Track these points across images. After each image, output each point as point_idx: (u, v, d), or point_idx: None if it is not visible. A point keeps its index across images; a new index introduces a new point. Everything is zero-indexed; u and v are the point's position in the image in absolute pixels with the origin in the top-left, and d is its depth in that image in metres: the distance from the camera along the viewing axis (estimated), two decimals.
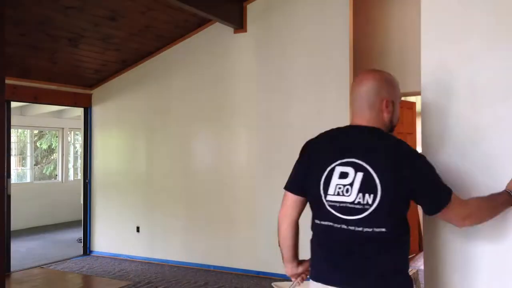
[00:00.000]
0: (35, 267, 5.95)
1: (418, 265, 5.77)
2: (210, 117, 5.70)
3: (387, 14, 5.89)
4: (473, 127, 2.56)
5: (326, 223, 1.76)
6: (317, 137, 2.02)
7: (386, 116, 1.86)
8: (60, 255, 6.61)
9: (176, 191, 5.94)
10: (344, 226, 1.71)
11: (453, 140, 2.62)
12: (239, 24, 5.39)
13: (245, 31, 5.42)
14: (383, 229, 1.68)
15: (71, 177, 10.32)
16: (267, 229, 4.60)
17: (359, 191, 1.69)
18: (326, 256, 1.79)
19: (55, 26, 4.81)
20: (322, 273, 1.79)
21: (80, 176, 8.72)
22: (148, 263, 5.97)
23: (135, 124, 6.28)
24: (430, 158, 2.69)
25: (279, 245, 1.95)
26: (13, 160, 9.53)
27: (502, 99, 2.49)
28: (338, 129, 1.94)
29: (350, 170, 1.73)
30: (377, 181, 1.69)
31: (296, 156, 2.02)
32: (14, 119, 6.73)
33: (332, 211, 1.74)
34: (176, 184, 5.93)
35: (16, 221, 7.41)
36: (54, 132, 10.34)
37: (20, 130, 9.86)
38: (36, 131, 10.28)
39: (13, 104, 6.29)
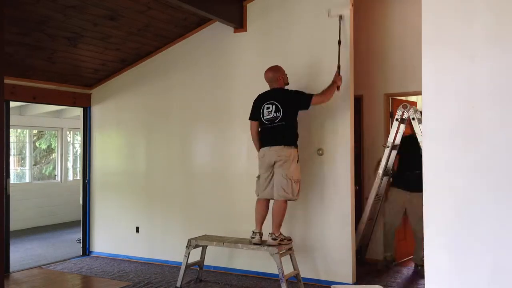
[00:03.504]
0: (34, 267, 5.94)
1: None
2: (210, 117, 5.69)
3: (388, 14, 5.88)
4: (473, 127, 2.56)
5: (265, 126, 4.59)
6: (258, 96, 4.74)
7: (281, 82, 4.69)
8: (60, 255, 6.60)
9: (175, 191, 5.93)
10: (269, 125, 4.56)
11: (453, 140, 2.62)
12: (239, 24, 5.38)
13: (245, 30, 5.41)
14: (283, 123, 4.49)
15: (70, 177, 10.31)
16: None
17: (274, 112, 4.51)
18: (265, 136, 4.60)
19: (54, 25, 4.81)
20: (267, 143, 4.57)
21: (79, 176, 8.71)
22: (148, 264, 5.96)
23: (134, 124, 6.27)
24: (430, 157, 2.69)
25: (253, 140, 4.77)
26: (12, 160, 9.52)
27: (502, 99, 2.49)
28: (266, 91, 4.73)
29: (270, 105, 4.55)
30: (280, 107, 4.49)
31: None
32: (13, 119, 6.72)
33: (266, 122, 4.57)
34: (176, 184, 5.92)
35: (15, 222, 7.41)
36: (53, 132, 10.33)
37: (19, 130, 9.85)
38: (35, 131, 10.27)
39: (12, 104, 6.28)
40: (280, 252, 4.39)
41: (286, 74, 4.74)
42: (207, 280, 5.17)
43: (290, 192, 4.45)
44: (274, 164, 4.51)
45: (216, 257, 5.46)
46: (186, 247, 4.89)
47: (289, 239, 4.62)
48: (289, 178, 4.43)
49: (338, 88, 4.64)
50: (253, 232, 4.64)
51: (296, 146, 4.53)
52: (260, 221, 4.66)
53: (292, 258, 4.59)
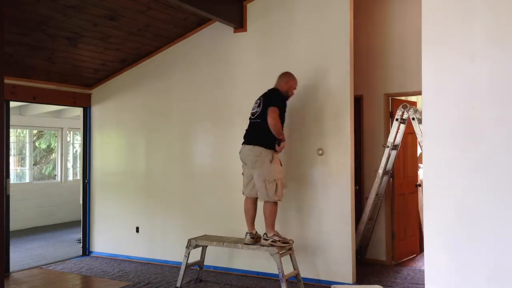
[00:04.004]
0: (34, 267, 5.94)
1: (419, 265, 5.77)
2: (210, 117, 5.69)
3: (388, 14, 5.88)
4: (473, 127, 2.56)
5: (249, 120, 4.69)
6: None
7: (282, 87, 4.66)
8: (60, 255, 6.60)
9: (175, 191, 5.93)
10: (250, 120, 4.67)
11: (453, 140, 2.62)
12: (239, 24, 5.38)
13: (245, 30, 5.41)
14: (259, 120, 4.49)
15: (70, 177, 10.30)
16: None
17: (257, 106, 4.57)
18: (245, 132, 4.68)
19: (54, 25, 4.81)
20: (243, 140, 4.63)
21: (79, 176, 8.71)
22: (148, 264, 5.96)
23: (134, 124, 6.27)
24: (430, 157, 2.69)
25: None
26: (12, 160, 9.52)
27: (502, 99, 2.49)
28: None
29: (259, 100, 4.61)
30: (261, 103, 4.51)
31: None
32: (13, 119, 6.72)
33: (250, 115, 4.67)
34: (176, 184, 5.92)
35: (15, 222, 7.42)
36: (53, 132, 10.33)
37: (19, 130, 9.85)
38: (35, 131, 10.26)
39: (12, 104, 6.28)
40: (280, 252, 4.39)
41: (294, 88, 4.69)
42: (207, 280, 5.18)
43: (265, 193, 4.41)
44: (247, 164, 4.56)
45: (216, 257, 5.46)
46: (186, 247, 4.89)
47: (287, 241, 4.49)
48: (263, 179, 4.40)
49: (278, 143, 4.41)
50: (246, 233, 4.66)
51: (268, 147, 4.42)
52: (249, 221, 4.68)
53: (292, 258, 4.59)
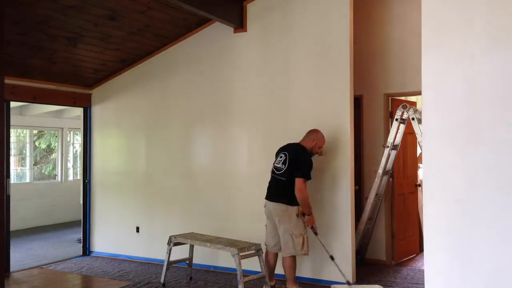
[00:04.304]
0: (35, 267, 5.94)
1: (419, 265, 5.77)
2: (209, 117, 5.69)
3: (388, 14, 5.88)
4: (473, 127, 2.56)
5: (273, 175, 4.57)
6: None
7: (309, 144, 4.57)
8: (60, 255, 6.60)
9: (176, 191, 5.93)
10: (274, 175, 4.54)
11: (453, 140, 2.62)
12: (239, 24, 5.38)
13: (245, 30, 5.42)
14: (284, 179, 4.40)
15: (71, 177, 10.31)
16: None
17: (282, 163, 4.47)
18: (269, 187, 4.57)
19: (54, 25, 4.81)
20: (267, 195, 4.55)
21: (79, 176, 8.71)
22: (148, 264, 5.97)
23: (134, 124, 6.27)
24: (430, 157, 2.69)
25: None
26: (12, 160, 9.52)
27: (502, 99, 2.49)
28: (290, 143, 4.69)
29: (283, 155, 4.51)
30: (287, 161, 4.43)
31: None
32: (13, 119, 6.71)
33: (274, 170, 4.54)
34: (176, 184, 5.92)
35: (16, 221, 7.42)
36: (53, 132, 10.33)
37: (19, 130, 9.85)
38: (35, 131, 10.26)
39: (12, 104, 6.28)
40: (242, 254, 4.39)
41: (319, 146, 4.57)
42: (197, 279, 5.18)
43: (292, 247, 4.34)
44: (270, 219, 4.53)
45: (216, 257, 5.46)
46: (167, 243, 5.01)
47: None
48: (290, 233, 4.34)
49: (303, 215, 4.41)
50: (264, 285, 4.64)
51: (293, 204, 4.36)
52: (269, 272, 4.61)
53: (260, 260, 4.57)
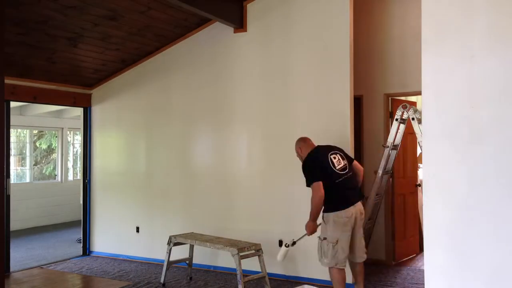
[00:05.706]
0: (35, 267, 5.94)
1: (419, 265, 5.77)
2: (210, 117, 5.69)
3: (388, 14, 5.88)
4: (473, 127, 2.56)
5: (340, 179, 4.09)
6: (317, 151, 4.28)
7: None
8: (60, 255, 6.60)
9: (176, 191, 5.93)
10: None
11: (453, 139, 2.62)
12: (239, 24, 5.38)
13: (245, 30, 5.42)
14: (351, 173, 4.23)
15: (71, 177, 10.31)
16: (268, 229, 4.59)
17: (342, 159, 4.17)
18: (345, 193, 4.09)
19: (54, 25, 4.81)
20: (349, 201, 4.06)
21: (79, 176, 8.71)
22: (148, 264, 5.97)
23: (134, 124, 6.27)
24: (430, 157, 2.69)
25: (317, 211, 3.99)
26: (13, 160, 9.52)
27: (502, 98, 2.49)
28: (323, 146, 4.34)
29: (337, 155, 4.19)
30: (344, 156, 4.23)
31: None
32: (13, 119, 6.72)
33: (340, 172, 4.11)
34: (176, 184, 5.92)
35: (16, 221, 7.42)
36: (53, 132, 10.33)
37: (19, 130, 9.85)
38: (35, 131, 10.27)
39: (13, 104, 6.29)
40: (242, 254, 4.39)
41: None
42: (207, 280, 5.18)
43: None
44: (358, 222, 4.17)
45: (216, 257, 5.46)
46: (167, 243, 5.02)
47: None
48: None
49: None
50: None
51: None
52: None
53: (260, 260, 4.56)
